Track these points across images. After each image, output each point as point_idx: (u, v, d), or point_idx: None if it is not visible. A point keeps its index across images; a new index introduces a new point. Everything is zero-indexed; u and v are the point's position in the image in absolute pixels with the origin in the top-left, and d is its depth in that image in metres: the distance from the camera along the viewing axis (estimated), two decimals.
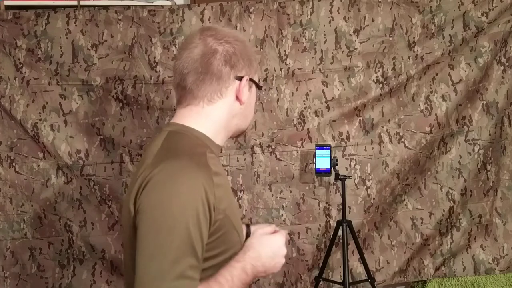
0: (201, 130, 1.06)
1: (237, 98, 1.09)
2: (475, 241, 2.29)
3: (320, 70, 2.17)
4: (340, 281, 2.09)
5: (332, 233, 2.12)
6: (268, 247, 1.07)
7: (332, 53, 2.17)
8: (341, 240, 2.06)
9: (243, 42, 1.11)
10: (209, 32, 1.08)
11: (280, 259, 1.09)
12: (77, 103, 2.08)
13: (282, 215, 2.20)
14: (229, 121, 1.10)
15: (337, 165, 2.04)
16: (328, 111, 2.19)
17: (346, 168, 2.21)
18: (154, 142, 1.06)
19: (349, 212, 2.19)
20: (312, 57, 2.17)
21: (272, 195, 2.19)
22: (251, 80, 1.11)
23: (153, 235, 0.90)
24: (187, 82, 1.06)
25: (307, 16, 2.15)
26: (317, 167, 2.02)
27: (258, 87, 1.16)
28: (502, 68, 2.24)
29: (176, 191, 0.92)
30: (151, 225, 0.91)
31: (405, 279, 2.30)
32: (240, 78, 1.08)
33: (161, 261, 0.89)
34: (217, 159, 1.07)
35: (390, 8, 2.19)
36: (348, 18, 2.17)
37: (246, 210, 2.17)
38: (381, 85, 2.21)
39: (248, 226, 1.25)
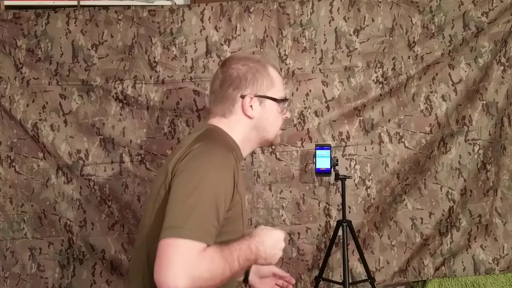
0: (232, 136, 1.26)
1: (245, 114, 1.25)
2: (475, 241, 2.29)
3: (320, 70, 2.17)
4: (340, 281, 2.09)
5: (332, 233, 2.12)
6: (270, 237, 1.18)
7: (332, 53, 2.17)
8: (341, 240, 2.06)
9: (247, 65, 1.26)
10: (224, 61, 1.31)
11: (278, 251, 1.20)
12: (77, 103, 2.08)
13: (282, 215, 2.20)
14: (249, 133, 1.27)
15: (337, 165, 2.04)
16: (328, 111, 2.19)
17: (346, 168, 2.21)
18: (195, 133, 1.24)
19: (349, 212, 2.19)
20: (312, 57, 2.17)
21: (272, 195, 2.19)
22: (259, 96, 1.25)
23: (188, 190, 1.05)
24: (209, 101, 1.31)
25: (307, 16, 2.15)
26: (317, 167, 2.02)
27: (273, 99, 1.28)
28: (502, 68, 2.24)
29: (212, 161, 1.10)
30: (187, 182, 1.07)
31: (405, 279, 2.30)
32: (243, 97, 1.24)
33: (190, 207, 1.03)
34: (238, 162, 1.22)
35: (390, 8, 2.19)
36: (348, 18, 2.17)
37: (246, 210, 2.17)
38: (381, 85, 2.21)
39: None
